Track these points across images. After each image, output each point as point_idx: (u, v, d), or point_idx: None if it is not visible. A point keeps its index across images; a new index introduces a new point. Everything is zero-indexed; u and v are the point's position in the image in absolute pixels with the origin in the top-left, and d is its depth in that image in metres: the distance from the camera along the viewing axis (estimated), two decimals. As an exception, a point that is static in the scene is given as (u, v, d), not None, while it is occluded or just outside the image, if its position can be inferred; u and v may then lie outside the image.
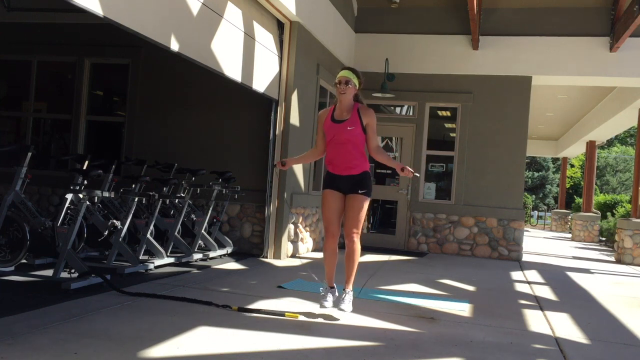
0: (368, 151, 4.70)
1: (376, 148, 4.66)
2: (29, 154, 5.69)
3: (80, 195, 5.40)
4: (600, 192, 29.05)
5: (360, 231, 4.62)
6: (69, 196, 6.07)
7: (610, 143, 38.10)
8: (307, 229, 9.12)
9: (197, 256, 7.16)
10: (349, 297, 4.61)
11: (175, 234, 7.03)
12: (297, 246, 8.63)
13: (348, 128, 4.55)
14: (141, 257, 6.51)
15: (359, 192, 4.58)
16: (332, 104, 4.84)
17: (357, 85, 4.64)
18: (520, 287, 7.12)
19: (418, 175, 4.44)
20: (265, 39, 7.56)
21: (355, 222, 4.56)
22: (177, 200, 7.25)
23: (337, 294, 4.72)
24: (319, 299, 4.65)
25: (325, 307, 4.58)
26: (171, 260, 6.79)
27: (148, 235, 6.50)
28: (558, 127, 18.82)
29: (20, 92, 9.81)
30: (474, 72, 10.56)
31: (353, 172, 4.60)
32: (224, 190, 7.64)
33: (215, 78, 7.03)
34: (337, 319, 4.55)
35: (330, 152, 4.68)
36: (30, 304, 4.36)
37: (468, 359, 3.74)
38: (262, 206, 8.25)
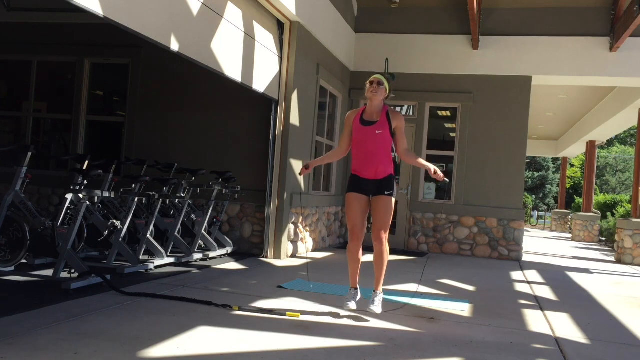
0: (397, 154, 4.69)
1: (405, 151, 4.65)
2: (29, 154, 5.70)
3: (80, 195, 5.41)
4: (600, 192, 29.07)
5: (388, 232, 4.59)
6: (69, 196, 6.07)
7: (610, 143, 38.13)
8: (307, 229, 9.12)
9: (197, 256, 7.16)
10: (379, 299, 4.63)
11: (175, 234, 7.03)
12: (297, 246, 8.63)
13: (377, 132, 4.54)
14: (141, 257, 6.51)
15: (385, 193, 4.56)
16: (362, 105, 4.82)
17: (388, 90, 4.65)
18: (520, 287, 7.12)
19: (447, 180, 4.47)
20: (265, 39, 7.56)
21: (383, 224, 4.54)
22: (177, 200, 7.25)
23: (360, 295, 4.73)
24: (343, 301, 4.63)
25: (351, 309, 4.57)
26: (171, 260, 6.79)
27: (148, 235, 6.51)
28: (558, 127, 18.82)
29: (20, 92, 9.81)
30: (474, 72, 10.57)
31: (379, 177, 4.57)
32: (224, 190, 7.64)
33: (215, 78, 7.04)
34: (339, 319, 4.55)
35: (357, 155, 4.65)
36: (30, 304, 4.36)
37: (468, 359, 3.74)
38: (262, 206, 8.26)
